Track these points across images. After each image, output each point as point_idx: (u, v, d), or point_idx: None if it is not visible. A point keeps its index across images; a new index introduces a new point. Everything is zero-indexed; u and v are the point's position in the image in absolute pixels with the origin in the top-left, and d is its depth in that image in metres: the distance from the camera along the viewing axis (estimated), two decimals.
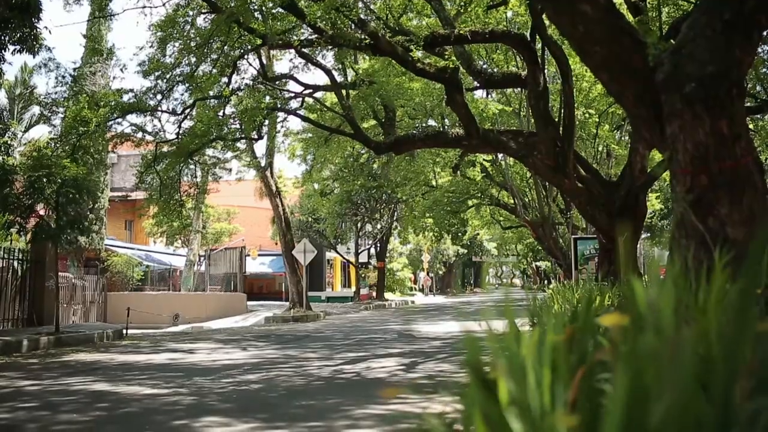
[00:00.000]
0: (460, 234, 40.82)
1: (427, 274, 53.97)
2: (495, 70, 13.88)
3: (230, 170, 22.17)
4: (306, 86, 15.47)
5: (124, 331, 13.31)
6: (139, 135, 14.86)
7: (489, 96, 16.80)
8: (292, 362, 8.91)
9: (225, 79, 14.11)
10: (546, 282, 44.72)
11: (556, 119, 10.88)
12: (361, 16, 10.97)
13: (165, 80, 13.75)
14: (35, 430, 4.74)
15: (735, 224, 3.23)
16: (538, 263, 54.57)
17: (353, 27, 10.57)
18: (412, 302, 31.56)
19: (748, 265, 0.54)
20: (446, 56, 10.97)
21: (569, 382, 0.89)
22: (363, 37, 10.10)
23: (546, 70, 13.69)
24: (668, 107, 3.34)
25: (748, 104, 9.92)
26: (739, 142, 3.21)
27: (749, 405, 0.88)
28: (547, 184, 17.87)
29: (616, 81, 3.80)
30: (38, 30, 10.71)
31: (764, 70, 10.61)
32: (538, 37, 10.01)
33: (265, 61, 17.19)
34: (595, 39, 3.71)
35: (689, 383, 0.53)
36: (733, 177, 3.22)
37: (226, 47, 12.90)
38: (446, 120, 17.61)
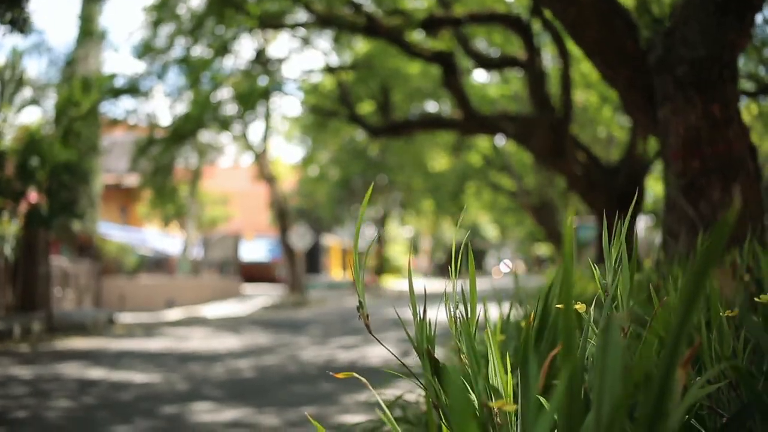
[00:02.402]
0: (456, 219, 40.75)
1: (431, 258, 54.18)
2: (493, 51, 13.75)
3: (224, 153, 22.09)
4: (303, 69, 15.36)
5: (118, 317, 13.30)
6: (133, 119, 14.76)
7: (489, 78, 16.71)
8: (287, 348, 8.90)
9: (219, 62, 14.00)
10: (541, 267, 44.74)
11: (556, 103, 10.79)
12: None
13: (159, 63, 13.63)
14: (26, 416, 4.72)
15: (727, 209, 3.18)
16: (538, 248, 54.58)
17: (349, 8, 10.44)
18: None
19: (707, 247, 0.48)
20: (444, 38, 10.86)
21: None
22: (358, 19, 9.98)
23: (546, 53, 13.59)
24: (660, 91, 3.26)
25: (751, 88, 9.80)
26: (731, 126, 3.15)
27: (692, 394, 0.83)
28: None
29: (609, 64, 3.72)
30: (28, 12, 10.56)
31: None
32: (539, 19, 9.89)
33: (261, 43, 17.04)
34: (587, 21, 3.63)
35: (620, 370, 0.48)
36: (726, 161, 3.16)
37: (219, 30, 12.76)
38: (443, 103, 17.50)
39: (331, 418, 4.55)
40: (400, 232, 43.22)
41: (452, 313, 0.94)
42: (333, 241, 38.00)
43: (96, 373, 6.71)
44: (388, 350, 1.02)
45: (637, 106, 3.81)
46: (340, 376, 1.03)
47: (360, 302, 0.92)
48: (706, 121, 3.13)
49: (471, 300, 0.92)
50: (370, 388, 0.94)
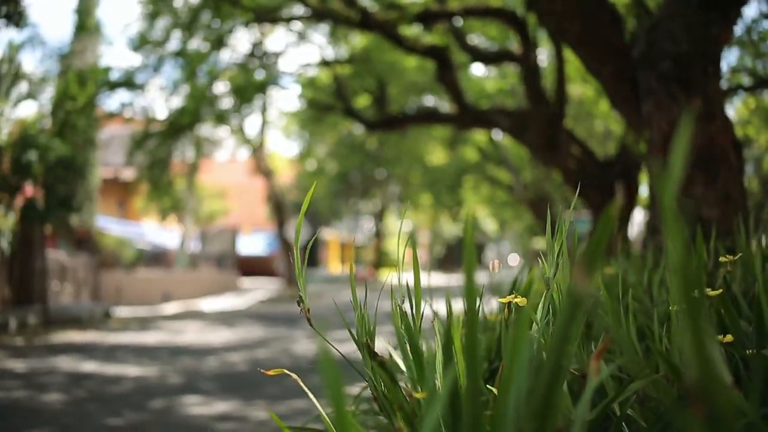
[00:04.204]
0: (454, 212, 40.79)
1: (429, 251, 54.25)
2: (490, 45, 13.74)
3: (221, 147, 22.10)
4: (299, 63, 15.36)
5: (114, 311, 13.33)
6: (129, 113, 14.75)
7: (487, 72, 16.70)
8: (281, 342, 8.93)
9: (216, 55, 13.98)
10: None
11: (552, 97, 10.78)
12: None
13: (155, 56, 13.61)
14: (18, 409, 4.75)
15: (710, 204, 3.19)
16: (537, 242, 54.48)
17: (343, 2, 10.41)
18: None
19: (593, 239, 0.50)
20: (439, 33, 10.84)
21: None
22: (352, 13, 9.96)
23: (543, 47, 13.57)
24: (643, 85, 3.27)
25: (748, 83, 9.79)
26: (714, 121, 3.16)
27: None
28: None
29: (595, 58, 3.73)
30: (23, 5, 10.53)
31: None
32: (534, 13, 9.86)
33: (257, 37, 17.02)
34: (572, 16, 3.63)
35: (526, 364, 0.50)
36: (708, 156, 3.17)
37: (215, 23, 12.75)
38: (441, 98, 17.49)
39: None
40: (398, 226, 43.23)
41: (397, 306, 0.96)
42: (331, 235, 38.03)
43: (90, 366, 6.74)
44: (330, 344, 1.04)
45: (623, 100, 3.83)
46: (270, 373, 1.05)
47: (300, 297, 0.94)
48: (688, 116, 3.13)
49: (416, 293, 0.94)
50: (302, 385, 0.95)
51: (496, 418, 0.51)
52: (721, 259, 1.21)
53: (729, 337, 0.89)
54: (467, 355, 0.53)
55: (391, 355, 0.93)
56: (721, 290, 1.01)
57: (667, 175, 0.44)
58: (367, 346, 0.84)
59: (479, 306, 0.94)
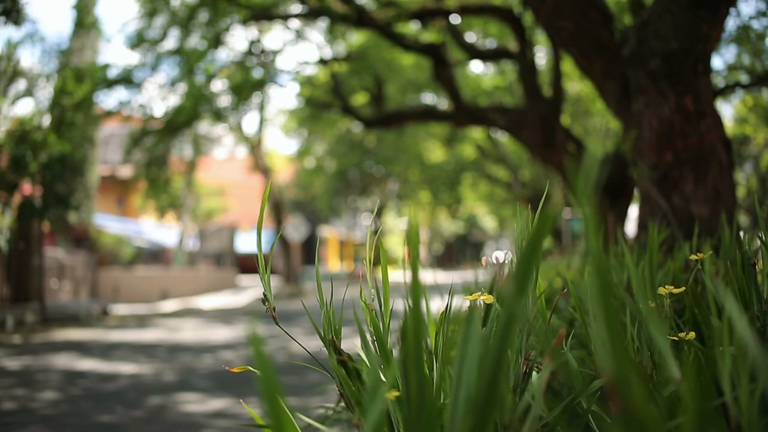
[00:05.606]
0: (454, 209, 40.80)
1: (428, 249, 54.33)
2: (489, 42, 13.75)
3: (220, 144, 22.11)
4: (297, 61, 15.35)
5: (112, 309, 13.34)
6: (127, 110, 14.74)
7: (485, 69, 16.70)
8: (277, 340, 8.94)
9: (213, 53, 13.97)
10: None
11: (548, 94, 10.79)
12: None
13: (153, 54, 13.61)
14: (13, 407, 4.76)
15: (699, 202, 3.21)
16: None
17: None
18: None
19: (533, 234, 0.51)
20: (435, 30, 10.84)
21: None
22: (349, 10, 9.96)
23: (539, 45, 13.58)
24: (634, 83, 3.28)
25: (746, 80, 9.80)
26: (704, 119, 3.17)
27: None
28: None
29: (585, 56, 3.74)
30: (22, 2, 10.53)
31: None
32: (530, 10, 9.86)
33: (255, 35, 17.01)
34: (563, 13, 3.64)
35: (477, 361, 0.51)
36: (698, 154, 3.18)
37: (212, 21, 12.75)
38: (439, 95, 17.50)
39: (315, 408, 4.59)
40: (396, 224, 43.25)
41: (368, 303, 0.97)
42: (330, 233, 38.05)
43: (86, 364, 6.76)
44: (297, 342, 1.05)
45: (613, 97, 3.84)
46: (235, 370, 1.07)
47: (265, 295, 0.95)
48: (679, 114, 3.15)
49: (384, 290, 0.95)
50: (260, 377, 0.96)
51: (439, 412, 0.52)
52: (692, 257, 1.22)
53: (692, 335, 0.90)
54: (411, 348, 0.55)
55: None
56: (683, 288, 1.02)
57: (583, 169, 0.45)
58: (332, 344, 0.86)
59: (449, 303, 0.95)
